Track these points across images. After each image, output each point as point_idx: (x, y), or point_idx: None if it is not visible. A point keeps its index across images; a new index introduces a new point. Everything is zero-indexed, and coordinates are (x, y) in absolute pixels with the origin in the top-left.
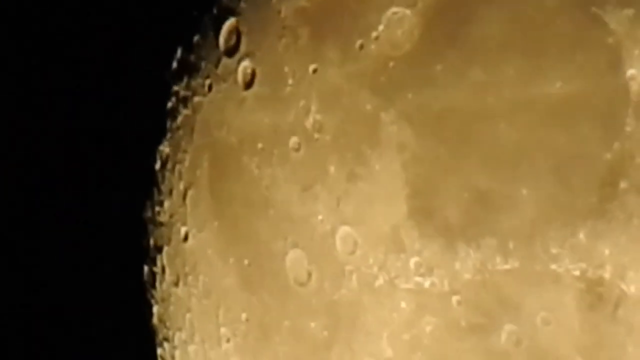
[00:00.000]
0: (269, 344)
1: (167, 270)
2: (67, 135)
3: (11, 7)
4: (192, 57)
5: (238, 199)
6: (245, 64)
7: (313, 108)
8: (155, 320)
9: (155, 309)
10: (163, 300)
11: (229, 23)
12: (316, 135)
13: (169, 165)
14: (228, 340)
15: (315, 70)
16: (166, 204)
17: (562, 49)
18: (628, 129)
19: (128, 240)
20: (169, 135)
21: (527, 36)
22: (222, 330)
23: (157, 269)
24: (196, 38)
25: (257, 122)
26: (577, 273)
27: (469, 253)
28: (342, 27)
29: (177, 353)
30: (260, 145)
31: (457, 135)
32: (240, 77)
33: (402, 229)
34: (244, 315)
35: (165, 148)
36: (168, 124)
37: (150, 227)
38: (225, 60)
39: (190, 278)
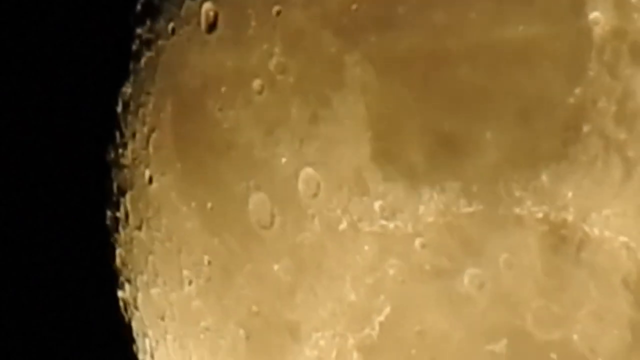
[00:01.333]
0: (232, 287)
1: (131, 214)
2: (30, 77)
3: None
4: (156, 0)
5: (201, 142)
6: (208, 6)
7: (276, 50)
8: (117, 263)
9: (117, 252)
10: (126, 243)
11: None
12: (279, 78)
13: (131, 108)
14: (190, 283)
15: (278, 13)
16: (129, 147)
17: None
18: (591, 73)
19: (91, 184)
20: (132, 78)
21: None
22: (185, 272)
23: (120, 213)
24: None
25: (220, 64)
26: (540, 216)
27: (433, 196)
28: None
29: (139, 295)
30: (223, 89)
31: (420, 77)
32: (203, 19)
33: (365, 172)
34: (206, 258)
35: (128, 90)
36: (131, 66)
37: (114, 170)
38: (188, 3)
39: (153, 221)
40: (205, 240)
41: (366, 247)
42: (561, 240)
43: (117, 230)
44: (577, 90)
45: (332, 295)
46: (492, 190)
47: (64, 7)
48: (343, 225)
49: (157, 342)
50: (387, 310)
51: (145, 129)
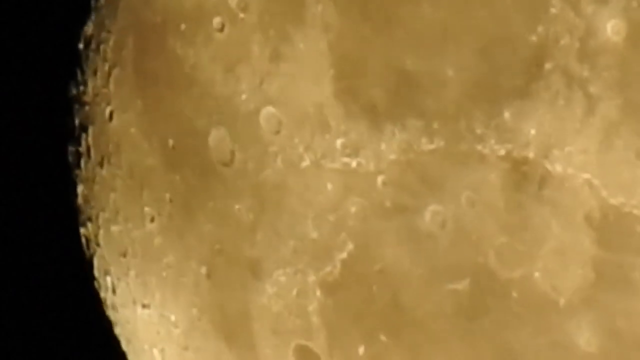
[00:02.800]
0: (194, 224)
1: (92, 151)
2: None
3: None
4: None
5: (162, 78)
6: None
7: None
8: (79, 200)
9: (79, 189)
10: (87, 180)
11: None
12: (241, 15)
13: (93, 46)
14: (152, 220)
15: None
16: (90, 83)
17: None
18: (553, 10)
19: (53, 121)
20: (93, 15)
21: None
22: (146, 210)
23: (82, 149)
24: None
25: (180, 2)
26: (502, 153)
27: (395, 133)
28: None
29: (100, 232)
30: (183, 26)
31: (381, 14)
32: None
33: (327, 109)
34: (167, 196)
35: (89, 28)
36: (92, 3)
37: (75, 107)
38: None
39: (114, 158)
40: (167, 177)
41: (328, 185)
42: (523, 177)
43: (78, 167)
44: (540, 28)
45: (294, 232)
46: (453, 127)
47: None
48: (305, 163)
49: (118, 279)
50: (349, 247)
51: (107, 66)
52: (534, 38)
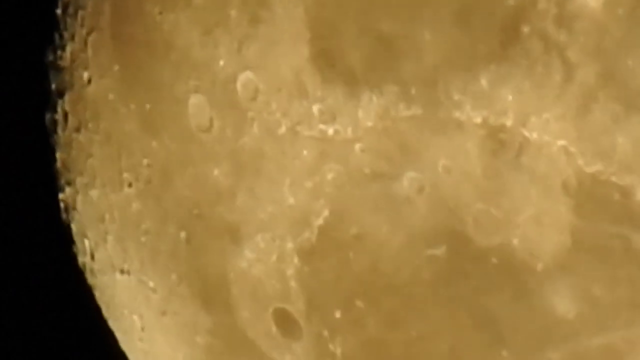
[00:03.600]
0: (172, 189)
1: (69, 116)
2: None
3: None
4: None
5: (140, 43)
6: None
7: None
8: (58, 165)
9: (57, 155)
10: (65, 145)
11: None
12: None
13: (70, 10)
14: (130, 185)
15: None
16: (68, 48)
17: None
18: None
19: (30, 86)
20: None
21: None
22: (124, 175)
23: (59, 115)
24: None
25: None
26: (479, 120)
27: (372, 100)
28: None
29: (79, 197)
30: None
31: None
32: None
33: (304, 75)
34: (145, 161)
35: None
36: None
37: (52, 72)
38: None
39: (91, 123)
40: (145, 142)
41: (305, 151)
42: (500, 144)
43: (56, 132)
44: None
45: (272, 198)
46: (430, 93)
47: None
48: (282, 129)
49: (97, 244)
50: (326, 213)
51: (84, 31)
52: (510, 2)
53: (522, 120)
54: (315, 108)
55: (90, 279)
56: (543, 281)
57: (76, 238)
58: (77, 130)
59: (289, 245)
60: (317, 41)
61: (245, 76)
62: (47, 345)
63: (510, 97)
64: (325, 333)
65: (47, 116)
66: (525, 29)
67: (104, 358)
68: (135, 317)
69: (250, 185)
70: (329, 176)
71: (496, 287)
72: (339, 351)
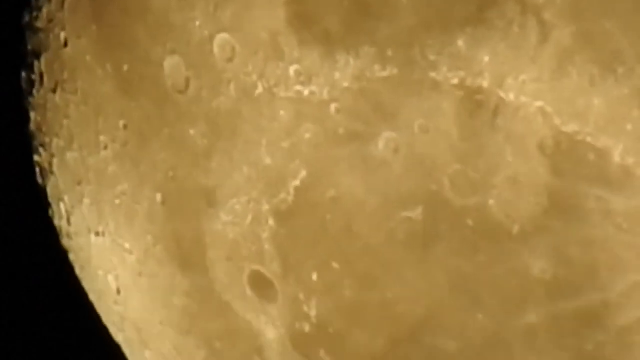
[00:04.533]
0: (148, 151)
1: (45, 77)
2: None
3: None
4: None
5: (117, 5)
6: None
7: None
8: (32, 127)
9: (32, 116)
10: (40, 107)
11: None
12: None
13: None
14: (106, 147)
15: None
16: (45, 9)
17: None
18: None
19: (6, 47)
20: None
21: None
22: (101, 137)
23: (35, 76)
24: None
25: None
26: (455, 81)
27: (348, 61)
28: None
29: (54, 160)
30: None
31: None
32: None
33: (281, 37)
34: (122, 122)
35: None
36: None
37: (29, 33)
38: None
39: (68, 85)
40: (121, 104)
41: (282, 112)
42: (477, 105)
43: (31, 94)
44: None
45: (248, 159)
46: (407, 54)
47: None
48: (259, 90)
49: (72, 207)
50: (303, 174)
51: None
52: None
53: (499, 81)
54: (291, 69)
55: (66, 242)
56: (519, 243)
57: (52, 201)
58: (53, 91)
59: (265, 207)
60: (293, 3)
61: (221, 37)
62: (21, 308)
63: (486, 59)
64: (301, 295)
65: (23, 77)
66: None
67: (80, 320)
68: (110, 279)
69: (226, 146)
70: (306, 137)
71: (472, 248)
72: (314, 313)
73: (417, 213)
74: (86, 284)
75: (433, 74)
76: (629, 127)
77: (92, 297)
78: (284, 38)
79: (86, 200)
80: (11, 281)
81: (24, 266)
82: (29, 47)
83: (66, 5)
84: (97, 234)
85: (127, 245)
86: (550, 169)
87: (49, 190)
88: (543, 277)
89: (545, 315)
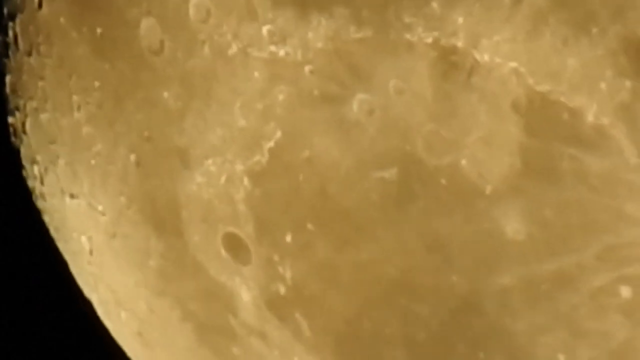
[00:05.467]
0: (123, 112)
1: (20, 40)
2: None
3: None
4: None
5: None
6: None
7: None
8: (7, 89)
9: (7, 79)
10: (15, 69)
11: None
12: None
13: None
14: (80, 109)
15: None
16: None
17: None
18: None
19: None
20: None
21: None
22: (75, 98)
23: (10, 38)
24: None
25: None
26: (430, 41)
27: (322, 22)
28: None
29: (28, 121)
30: None
31: None
32: None
33: None
34: (96, 84)
35: None
36: None
37: None
38: None
39: (43, 47)
40: (96, 66)
41: (256, 73)
42: (451, 66)
43: (6, 56)
44: None
45: (222, 121)
46: (381, 16)
47: None
48: (233, 51)
49: (46, 168)
50: (277, 136)
51: None
52: None
53: (473, 42)
54: (265, 30)
55: (40, 203)
56: (493, 203)
57: (25, 162)
58: (29, 54)
59: (239, 168)
60: None
61: None
62: None
63: (461, 20)
64: (275, 257)
65: None
66: None
67: (54, 279)
68: (84, 240)
69: (200, 107)
70: (280, 98)
71: (446, 209)
72: (288, 275)
73: (391, 173)
74: (60, 245)
75: (407, 35)
76: (603, 86)
77: (66, 257)
78: None
79: (60, 162)
80: None
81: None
82: (5, 10)
83: None
84: (71, 195)
85: (100, 207)
86: (524, 128)
87: (22, 151)
88: (516, 238)
89: (519, 277)
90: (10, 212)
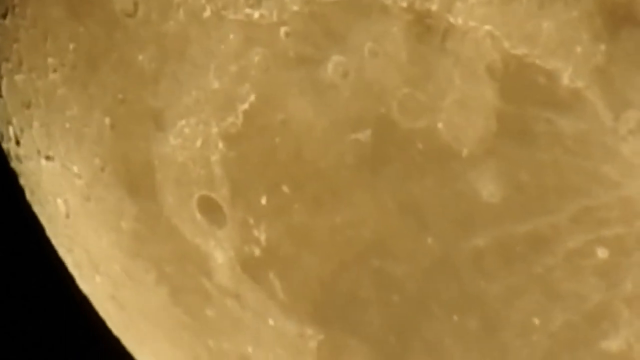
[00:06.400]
0: (97, 74)
1: None
2: None
3: None
4: None
5: None
6: None
7: None
8: None
9: None
10: None
11: None
12: None
13: None
14: (55, 71)
15: None
16: None
17: None
18: None
19: None
20: None
21: None
22: (50, 60)
23: None
24: None
25: None
26: (404, 4)
27: None
28: None
29: (3, 83)
30: None
31: None
32: None
33: None
34: (71, 46)
35: None
36: None
37: None
38: None
39: (18, 9)
40: (71, 27)
41: (231, 36)
42: (426, 29)
43: None
44: None
45: (196, 83)
46: None
47: None
48: (207, 13)
49: (22, 130)
50: (252, 98)
51: None
52: None
53: (448, 5)
54: None
55: (15, 165)
56: (468, 166)
57: (0, 124)
58: (3, 16)
59: (214, 130)
60: None
61: None
62: None
63: None
64: (250, 219)
65: None
66: None
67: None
68: (60, 203)
69: (174, 69)
70: (255, 61)
71: (421, 172)
72: (263, 237)
73: (366, 136)
74: (36, 208)
75: None
76: (578, 49)
77: (42, 219)
78: None
79: (35, 124)
80: None
81: None
82: None
83: None
84: (47, 157)
85: (75, 169)
86: (499, 92)
87: None
88: (491, 201)
89: (494, 239)
90: None
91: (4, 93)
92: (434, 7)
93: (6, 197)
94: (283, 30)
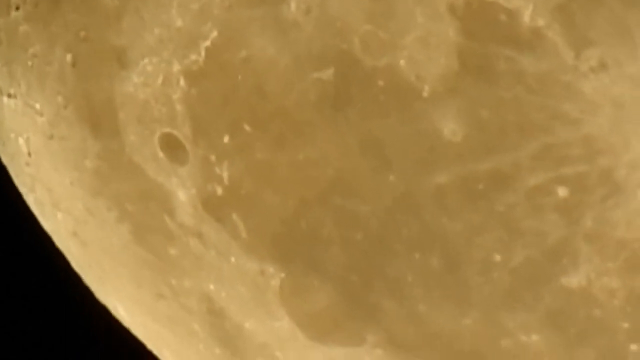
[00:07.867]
0: (59, 12)
1: None
2: None
3: None
4: None
5: None
6: None
7: None
8: None
9: None
10: None
11: None
12: None
13: None
14: (17, 8)
15: None
16: None
17: None
18: None
19: None
20: None
21: None
22: None
23: None
24: None
25: None
26: None
27: None
28: None
29: None
30: None
31: None
32: None
33: None
34: None
35: None
36: None
37: None
38: None
39: None
40: None
41: None
42: None
43: None
44: None
45: (159, 20)
46: None
47: None
48: None
49: None
50: (214, 35)
51: None
52: None
53: None
54: None
55: None
56: (430, 104)
57: None
58: None
59: (176, 68)
60: None
61: None
62: None
63: None
64: (212, 157)
65: None
66: None
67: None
68: (21, 140)
69: (137, 7)
70: None
71: (383, 110)
72: (225, 175)
73: (328, 74)
74: None
75: None
76: None
77: (4, 159)
78: None
79: None
80: None
81: None
82: None
83: None
84: (9, 95)
85: (37, 106)
86: (461, 30)
87: None
88: (453, 139)
89: (456, 177)
90: None
91: None
92: None
93: None
94: None
